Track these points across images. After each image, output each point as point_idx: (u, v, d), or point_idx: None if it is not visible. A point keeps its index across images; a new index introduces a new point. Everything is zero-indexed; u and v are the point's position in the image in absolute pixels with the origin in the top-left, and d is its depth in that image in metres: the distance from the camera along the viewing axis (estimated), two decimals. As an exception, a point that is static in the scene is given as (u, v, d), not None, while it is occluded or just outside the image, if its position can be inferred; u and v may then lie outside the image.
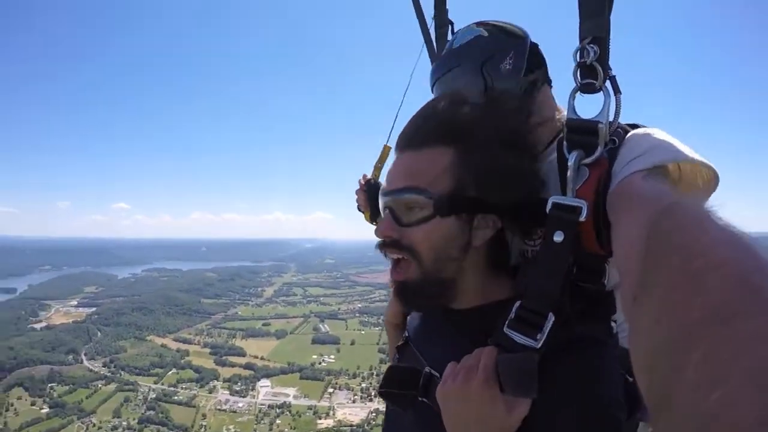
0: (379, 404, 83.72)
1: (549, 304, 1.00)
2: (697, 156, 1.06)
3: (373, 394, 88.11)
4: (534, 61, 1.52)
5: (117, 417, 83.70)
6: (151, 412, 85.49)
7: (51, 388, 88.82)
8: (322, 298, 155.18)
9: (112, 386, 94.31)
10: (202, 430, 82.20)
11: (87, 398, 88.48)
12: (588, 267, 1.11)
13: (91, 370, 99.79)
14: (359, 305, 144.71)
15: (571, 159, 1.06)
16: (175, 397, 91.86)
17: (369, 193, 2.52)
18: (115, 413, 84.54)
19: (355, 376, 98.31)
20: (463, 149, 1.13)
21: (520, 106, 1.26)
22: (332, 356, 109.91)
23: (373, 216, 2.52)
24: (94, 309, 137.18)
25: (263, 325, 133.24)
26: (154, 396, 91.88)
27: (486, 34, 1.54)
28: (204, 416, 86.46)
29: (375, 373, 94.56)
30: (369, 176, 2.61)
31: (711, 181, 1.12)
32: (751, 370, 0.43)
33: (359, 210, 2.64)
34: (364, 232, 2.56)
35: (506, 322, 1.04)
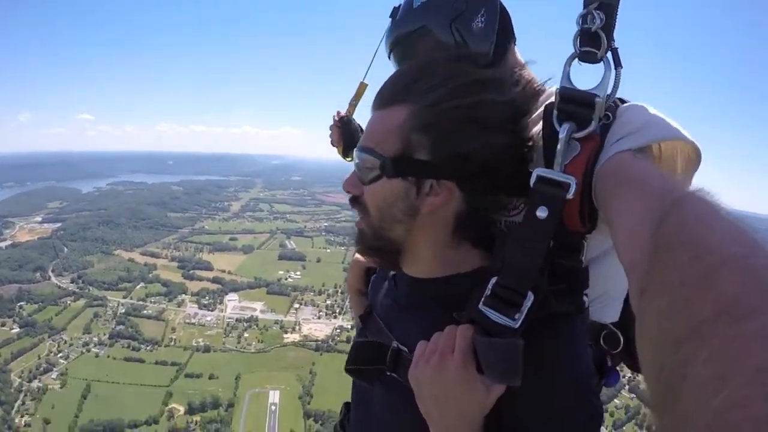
0: (344, 321, 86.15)
1: (528, 283, 0.95)
2: (687, 134, 1.00)
3: (338, 311, 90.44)
4: (504, 19, 1.43)
5: (87, 333, 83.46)
6: (121, 327, 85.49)
7: (20, 307, 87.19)
8: (288, 215, 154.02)
9: (81, 302, 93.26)
10: (172, 343, 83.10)
11: (56, 315, 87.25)
12: (566, 243, 1.06)
13: (59, 287, 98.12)
14: (325, 224, 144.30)
15: (563, 131, 0.98)
16: (145, 312, 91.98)
17: (342, 129, 2.49)
18: (86, 329, 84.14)
19: (320, 293, 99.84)
20: (417, 109, 1.06)
21: (491, 65, 1.19)
22: (298, 273, 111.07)
23: (345, 152, 2.50)
24: (59, 224, 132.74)
25: (230, 239, 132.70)
26: (123, 311, 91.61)
27: None
28: (173, 330, 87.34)
29: (340, 290, 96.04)
30: (343, 113, 2.52)
31: (693, 160, 1.07)
32: (758, 369, 0.41)
33: (332, 145, 2.60)
34: (332, 152, 2.56)
35: (481, 299, 0.98)
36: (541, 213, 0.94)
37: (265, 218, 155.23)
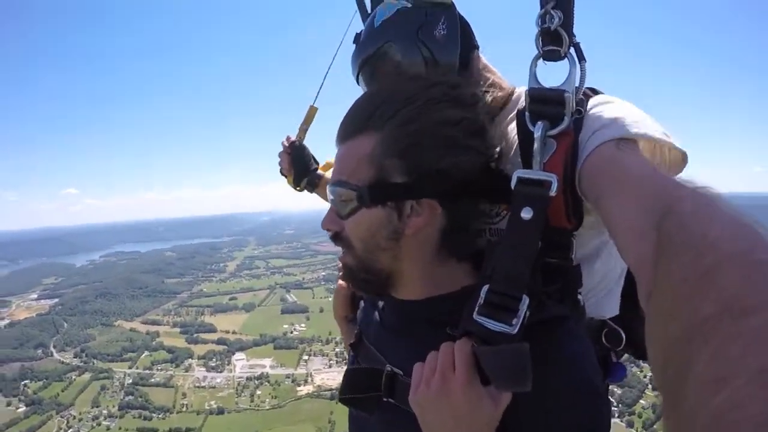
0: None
1: (522, 286, 0.93)
2: (664, 135, 1.00)
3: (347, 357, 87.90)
4: (465, 26, 1.41)
5: (96, 406, 79.95)
6: (130, 398, 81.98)
7: (24, 385, 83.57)
8: (285, 269, 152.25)
9: (87, 376, 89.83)
10: (184, 408, 79.93)
11: (63, 391, 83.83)
12: (554, 242, 1.03)
13: (62, 362, 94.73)
14: (323, 273, 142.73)
15: (538, 130, 0.98)
16: (152, 380, 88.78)
17: (293, 155, 2.28)
18: (94, 402, 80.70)
19: (328, 342, 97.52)
20: (386, 133, 1.03)
21: (457, 76, 1.16)
22: (303, 324, 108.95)
23: (296, 180, 2.29)
24: (56, 300, 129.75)
25: (230, 299, 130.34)
26: (130, 381, 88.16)
27: (409, 5, 1.40)
28: (184, 395, 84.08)
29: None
30: (293, 138, 2.31)
31: (678, 163, 1.05)
32: (760, 369, 0.41)
33: (282, 174, 2.36)
34: (321, 201, 2.30)
35: (475, 309, 0.95)
36: (526, 214, 0.93)
37: (263, 275, 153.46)
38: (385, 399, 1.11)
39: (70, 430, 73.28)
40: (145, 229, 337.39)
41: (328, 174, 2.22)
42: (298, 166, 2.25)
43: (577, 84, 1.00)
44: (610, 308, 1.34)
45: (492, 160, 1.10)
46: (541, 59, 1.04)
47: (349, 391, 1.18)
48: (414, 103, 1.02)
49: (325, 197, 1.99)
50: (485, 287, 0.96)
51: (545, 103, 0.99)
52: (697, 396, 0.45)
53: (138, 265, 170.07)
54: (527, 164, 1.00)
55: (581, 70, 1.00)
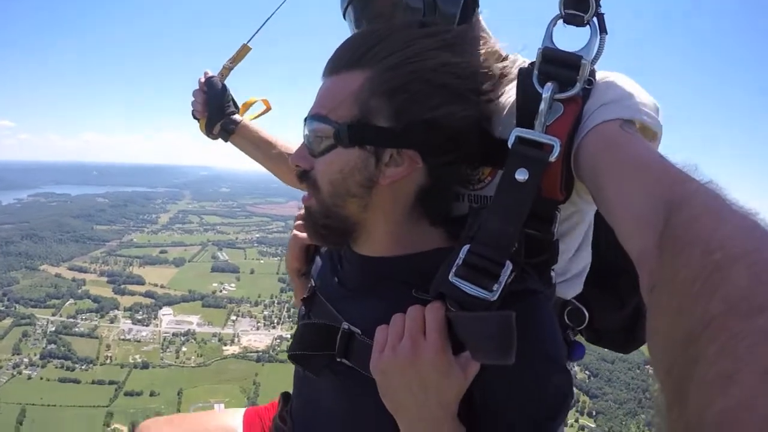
0: (283, 332, 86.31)
1: (506, 251, 0.86)
2: (654, 114, 0.95)
3: (276, 321, 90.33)
4: None
5: (17, 353, 77.83)
6: (53, 346, 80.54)
7: (-59, 329, 79.26)
8: (218, 227, 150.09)
9: (8, 321, 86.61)
10: (108, 361, 79.33)
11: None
12: (538, 213, 0.95)
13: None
14: (257, 235, 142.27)
15: (547, 91, 0.91)
16: (76, 329, 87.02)
17: (209, 95, 1.91)
18: (15, 349, 78.41)
19: (257, 304, 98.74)
20: (376, 73, 0.96)
21: (458, 29, 1.09)
22: (233, 284, 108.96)
23: (209, 125, 1.93)
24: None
25: (160, 252, 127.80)
26: (53, 329, 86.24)
27: None
28: (108, 347, 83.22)
29: (276, 301, 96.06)
30: (213, 74, 1.94)
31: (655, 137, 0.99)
32: (766, 369, 0.40)
33: (194, 116, 1.98)
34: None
35: (452, 269, 0.87)
36: (521, 175, 0.86)
37: (195, 230, 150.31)
38: (339, 359, 1.02)
39: (-11, 378, 71.35)
40: (78, 172, 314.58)
41: (248, 119, 1.99)
42: (213, 109, 1.91)
43: (593, 55, 0.93)
44: (575, 289, 1.29)
45: (485, 119, 1.03)
46: (562, 21, 0.97)
47: (300, 348, 1.10)
48: (411, 47, 0.95)
49: (242, 148, 1.97)
50: (465, 247, 0.88)
51: (558, 65, 0.92)
52: (702, 395, 0.43)
53: (68, 208, 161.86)
54: (526, 124, 0.93)
55: (600, 42, 0.94)
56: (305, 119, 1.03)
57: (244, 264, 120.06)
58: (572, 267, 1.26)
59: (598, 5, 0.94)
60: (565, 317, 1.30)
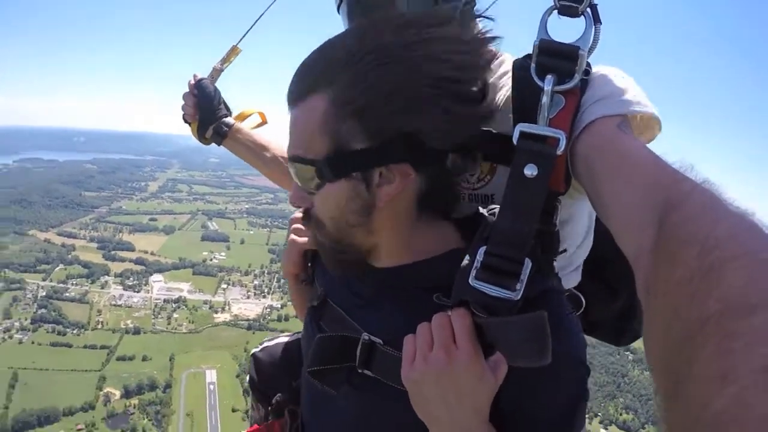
0: (273, 301, 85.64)
1: (525, 248, 0.83)
2: (652, 107, 0.92)
3: (266, 291, 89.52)
4: None
5: (7, 318, 75.85)
6: (44, 311, 78.74)
7: (-70, 293, 76.74)
8: (208, 197, 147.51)
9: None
10: (99, 326, 78.10)
11: (-29, 301, 78.40)
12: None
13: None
14: (246, 206, 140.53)
15: (548, 84, 0.87)
16: (67, 294, 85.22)
17: (200, 99, 1.78)
18: (5, 314, 76.47)
19: (247, 273, 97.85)
20: (336, 92, 0.87)
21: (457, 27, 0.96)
22: (223, 253, 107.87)
23: (200, 129, 1.81)
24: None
25: (150, 220, 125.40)
26: (44, 294, 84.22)
27: None
28: (99, 312, 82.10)
29: (266, 271, 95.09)
30: (202, 77, 1.82)
31: (653, 128, 0.98)
32: (762, 367, 0.40)
33: (185, 121, 1.85)
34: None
35: (471, 273, 0.84)
36: (530, 171, 0.83)
37: (185, 199, 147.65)
38: (360, 370, 0.97)
39: (-20, 341, 69.38)
40: (63, 137, 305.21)
41: (241, 123, 1.88)
42: (205, 113, 1.79)
43: (589, 45, 0.90)
44: (574, 280, 1.28)
45: (475, 118, 0.94)
46: (556, 12, 0.93)
47: (320, 363, 1.03)
48: (378, 52, 0.85)
49: (235, 152, 1.87)
50: (481, 249, 0.85)
51: (556, 57, 0.89)
52: (699, 395, 0.43)
53: (56, 174, 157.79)
54: (525, 119, 0.89)
55: (596, 32, 0.90)
56: (288, 162, 0.97)
57: (234, 234, 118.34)
58: (575, 259, 1.25)
59: None
60: None
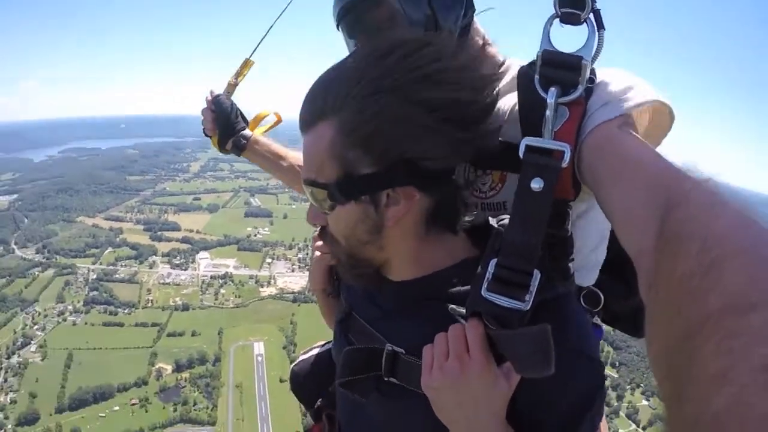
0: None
1: (533, 260, 0.85)
2: (662, 96, 0.92)
3: (310, 263, 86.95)
4: None
5: (61, 302, 77.74)
6: (95, 293, 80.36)
7: (-14, 282, 79.27)
8: (250, 174, 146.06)
9: (50, 272, 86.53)
10: (149, 304, 78.97)
11: (26, 288, 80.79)
12: (552, 212, 0.92)
13: (24, 259, 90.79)
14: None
15: (552, 97, 0.87)
16: (117, 276, 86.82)
17: (218, 113, 1.87)
18: (59, 298, 78.39)
19: (291, 247, 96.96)
20: (343, 119, 0.90)
21: (456, 44, 0.97)
22: (266, 228, 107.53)
23: (221, 142, 1.89)
24: (15, 196, 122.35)
25: (194, 200, 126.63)
26: (94, 277, 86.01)
27: None
28: (149, 291, 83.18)
29: (309, 244, 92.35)
30: (218, 93, 1.91)
31: (666, 118, 0.98)
32: (762, 365, 0.39)
33: (205, 134, 1.92)
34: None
35: (484, 285, 0.86)
36: (536, 184, 0.85)
37: (227, 177, 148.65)
38: (386, 378, 1.01)
39: (36, 326, 71.12)
40: (105, 126, 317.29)
41: (259, 132, 1.93)
42: (223, 127, 1.85)
43: (592, 53, 0.90)
44: (591, 279, 1.29)
45: (479, 137, 0.95)
46: (558, 20, 0.92)
47: (349, 374, 1.08)
48: (380, 80, 0.88)
49: (254, 161, 1.95)
50: (492, 261, 0.87)
51: (560, 68, 0.89)
52: (699, 393, 0.43)
53: (99, 161, 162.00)
54: (530, 131, 0.90)
55: (599, 39, 0.90)
56: (303, 183, 1.02)
57: (276, 209, 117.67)
58: (593, 259, 1.27)
59: (593, 1, 0.90)
60: (582, 301, 1.32)
